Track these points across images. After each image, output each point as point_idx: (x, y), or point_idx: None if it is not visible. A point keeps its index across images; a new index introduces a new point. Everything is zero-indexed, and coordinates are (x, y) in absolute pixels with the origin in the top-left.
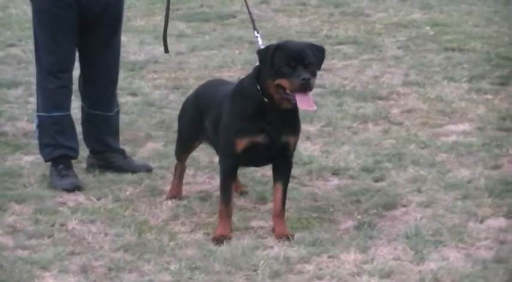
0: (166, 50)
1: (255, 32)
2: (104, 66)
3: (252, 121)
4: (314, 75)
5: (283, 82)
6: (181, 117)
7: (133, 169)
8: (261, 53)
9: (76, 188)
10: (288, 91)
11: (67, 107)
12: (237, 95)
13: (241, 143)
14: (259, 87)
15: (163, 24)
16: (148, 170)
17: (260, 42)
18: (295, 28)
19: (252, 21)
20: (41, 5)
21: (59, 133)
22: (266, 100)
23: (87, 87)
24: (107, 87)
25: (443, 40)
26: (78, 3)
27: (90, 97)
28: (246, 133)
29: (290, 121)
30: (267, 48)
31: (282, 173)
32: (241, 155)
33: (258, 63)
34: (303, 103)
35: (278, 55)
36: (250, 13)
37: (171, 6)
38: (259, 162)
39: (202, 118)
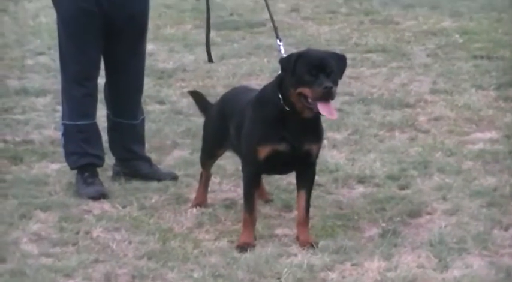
0: (210, 60)
1: (277, 40)
2: (129, 74)
3: (274, 129)
4: (336, 83)
5: (305, 90)
6: (206, 125)
7: (159, 177)
8: (283, 62)
9: (101, 196)
10: (309, 100)
11: (92, 115)
12: (258, 103)
13: (263, 151)
14: (280, 96)
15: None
16: (174, 178)
17: (283, 51)
18: (325, 36)
19: (275, 29)
20: (66, 13)
21: (84, 141)
22: (287, 109)
23: (113, 96)
24: (132, 96)
25: (472, 48)
26: (103, 12)
27: (116, 105)
28: (267, 141)
29: (312, 129)
30: (289, 56)
31: (306, 181)
32: (264, 162)
33: (280, 72)
34: (324, 111)
35: (300, 63)
36: (273, 21)
37: (202, 15)
38: (282, 170)
39: (227, 125)
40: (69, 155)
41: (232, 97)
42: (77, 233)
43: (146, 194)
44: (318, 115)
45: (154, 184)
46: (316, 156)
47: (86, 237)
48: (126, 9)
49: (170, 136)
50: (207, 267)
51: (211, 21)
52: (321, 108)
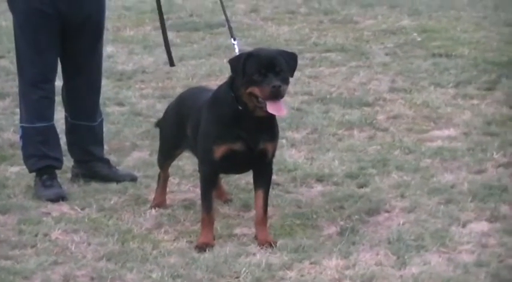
0: (172, 64)
1: (232, 39)
2: (86, 76)
3: (229, 129)
4: (286, 82)
5: (255, 90)
6: (163, 125)
7: (118, 178)
8: (233, 62)
9: (60, 198)
10: (260, 99)
11: (50, 118)
12: (213, 103)
13: (219, 151)
14: (233, 95)
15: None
16: (133, 179)
17: (237, 50)
18: (284, 36)
19: (230, 28)
20: (21, 15)
21: (43, 143)
22: (240, 108)
23: (70, 97)
24: (90, 97)
25: (431, 46)
26: (59, 13)
27: (74, 107)
28: (223, 140)
29: (267, 128)
30: (239, 56)
31: (263, 180)
32: (220, 162)
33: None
34: (273, 109)
35: (249, 63)
36: (227, 20)
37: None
38: (238, 169)
39: (184, 126)
40: (27, 158)
41: (189, 97)
42: (36, 235)
43: (105, 196)
44: (270, 114)
45: (113, 185)
46: (273, 155)
47: (45, 240)
48: (83, 10)
49: (129, 137)
50: (166, 268)
51: (171, 22)
52: (270, 106)
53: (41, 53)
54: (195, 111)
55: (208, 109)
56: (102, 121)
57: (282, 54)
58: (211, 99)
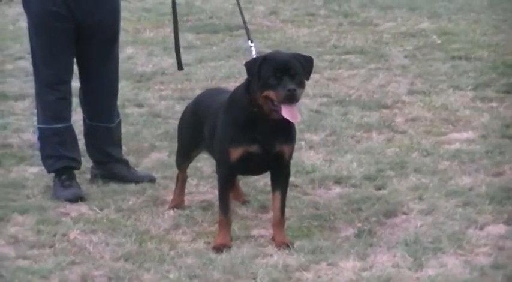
0: (180, 67)
1: (249, 42)
2: (102, 77)
3: (245, 131)
4: (301, 85)
5: (270, 94)
6: (180, 126)
7: (136, 179)
8: (249, 65)
9: (79, 198)
10: (275, 102)
11: (67, 118)
12: (229, 105)
13: (235, 153)
14: (249, 98)
15: (172, 35)
16: (152, 180)
17: (254, 52)
18: (304, 38)
19: (247, 30)
20: (36, 17)
21: (60, 144)
22: (256, 110)
23: (87, 99)
24: (106, 99)
25: (450, 49)
26: (73, 15)
27: (91, 109)
28: (239, 143)
29: (283, 130)
30: (254, 60)
31: (280, 182)
32: (237, 164)
33: None
34: (287, 114)
35: (264, 67)
36: (245, 22)
37: (181, 19)
38: (255, 171)
39: (201, 127)
40: (45, 159)
41: (206, 99)
42: (54, 235)
43: (123, 197)
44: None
45: (131, 186)
46: (290, 157)
47: (63, 240)
48: (96, 15)
49: (148, 139)
50: (183, 268)
51: (191, 24)
52: (284, 111)
53: (55, 55)
54: (211, 112)
55: (225, 111)
56: (120, 122)
57: (297, 58)
58: (227, 101)
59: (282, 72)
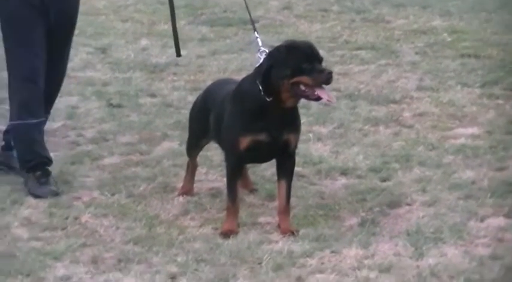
0: (178, 54)
1: (255, 33)
2: (57, 70)
3: (254, 120)
4: None
5: (304, 79)
6: (191, 116)
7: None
8: (274, 54)
9: (54, 195)
10: (304, 88)
11: (40, 114)
12: (238, 95)
13: (244, 142)
14: (261, 88)
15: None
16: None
17: (260, 43)
18: (316, 34)
19: (252, 22)
20: (14, 11)
21: (34, 141)
22: (268, 99)
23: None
24: (57, 90)
25: (460, 46)
26: (48, 6)
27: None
28: (248, 132)
29: (290, 119)
30: (279, 48)
31: (286, 170)
32: (245, 153)
33: (259, 64)
34: (325, 96)
35: (294, 54)
36: (250, 14)
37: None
38: (262, 159)
39: (210, 116)
40: (21, 156)
41: (215, 89)
42: (66, 218)
43: (135, 183)
44: (296, 105)
45: (143, 173)
46: (295, 145)
47: (75, 223)
48: (64, 6)
49: (160, 127)
50: (191, 252)
51: (205, 17)
52: (322, 93)
53: (33, 47)
54: (218, 102)
55: (233, 101)
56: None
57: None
58: (235, 92)
59: (313, 57)
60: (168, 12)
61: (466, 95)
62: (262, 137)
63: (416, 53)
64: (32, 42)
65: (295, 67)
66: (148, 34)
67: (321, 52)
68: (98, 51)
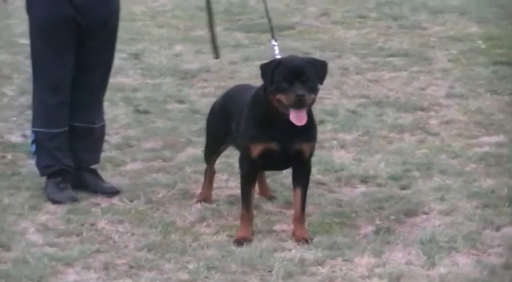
0: (216, 56)
1: (273, 41)
2: (94, 74)
3: (265, 128)
4: (313, 91)
5: (282, 97)
6: (209, 121)
7: (98, 190)
8: (263, 68)
9: (73, 201)
10: (285, 105)
11: (65, 124)
12: (252, 103)
13: (256, 149)
14: (267, 98)
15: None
16: (115, 192)
17: (277, 52)
18: (351, 40)
19: (271, 29)
20: (43, 21)
21: (56, 149)
22: (274, 110)
23: (73, 96)
24: (94, 97)
25: (494, 54)
26: (81, 16)
27: (75, 107)
28: (259, 140)
29: (303, 129)
30: (269, 63)
31: (301, 178)
32: (258, 160)
33: None
34: (294, 118)
35: (278, 70)
36: (269, 20)
37: (233, 18)
38: (277, 167)
39: (229, 121)
40: (40, 162)
41: (234, 95)
42: (83, 224)
43: (154, 189)
44: (310, 115)
45: (163, 179)
46: (310, 155)
47: (91, 229)
48: (100, 16)
49: (185, 134)
50: (203, 260)
51: (241, 23)
52: (292, 115)
53: (61, 57)
54: (239, 108)
55: (248, 108)
56: (103, 127)
57: (312, 63)
58: (251, 99)
59: (294, 76)
60: (205, 18)
61: (495, 103)
62: (273, 145)
63: (449, 60)
64: (61, 50)
65: (277, 84)
66: (183, 40)
67: (353, 59)
68: (131, 56)
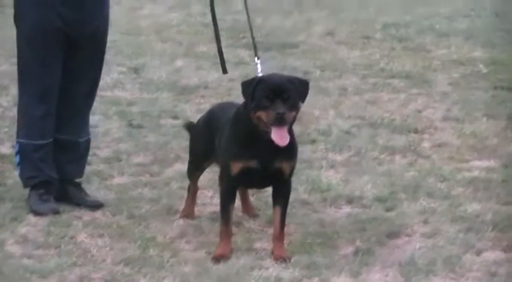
0: (224, 71)
1: (256, 59)
2: (81, 87)
3: (246, 146)
4: (294, 109)
5: (262, 115)
6: (193, 137)
7: (82, 203)
8: (244, 85)
9: (55, 213)
10: (265, 123)
11: (51, 135)
12: (234, 120)
13: (236, 167)
14: (248, 116)
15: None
16: (98, 206)
17: (259, 70)
18: (353, 60)
19: (254, 47)
20: (31, 31)
21: (41, 160)
22: (255, 128)
23: (59, 109)
24: (80, 110)
25: (495, 78)
26: (69, 26)
27: (61, 120)
28: (239, 157)
29: (284, 147)
30: (251, 80)
31: (280, 197)
32: (237, 178)
33: None
34: (276, 137)
35: (259, 88)
36: (253, 39)
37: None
38: (257, 185)
39: (213, 138)
40: (24, 173)
41: (218, 112)
42: (62, 237)
43: (138, 204)
44: (291, 134)
45: (149, 194)
46: (290, 173)
47: (70, 242)
48: (90, 25)
49: (175, 149)
50: (179, 276)
51: (246, 40)
52: (273, 133)
53: (48, 67)
54: (222, 125)
55: (230, 125)
56: (88, 141)
57: (292, 81)
58: (233, 116)
59: (275, 94)
60: (209, 34)
61: (490, 127)
62: (253, 164)
63: (450, 84)
64: (48, 60)
65: (257, 101)
66: (185, 55)
67: (354, 79)
68: (131, 71)
